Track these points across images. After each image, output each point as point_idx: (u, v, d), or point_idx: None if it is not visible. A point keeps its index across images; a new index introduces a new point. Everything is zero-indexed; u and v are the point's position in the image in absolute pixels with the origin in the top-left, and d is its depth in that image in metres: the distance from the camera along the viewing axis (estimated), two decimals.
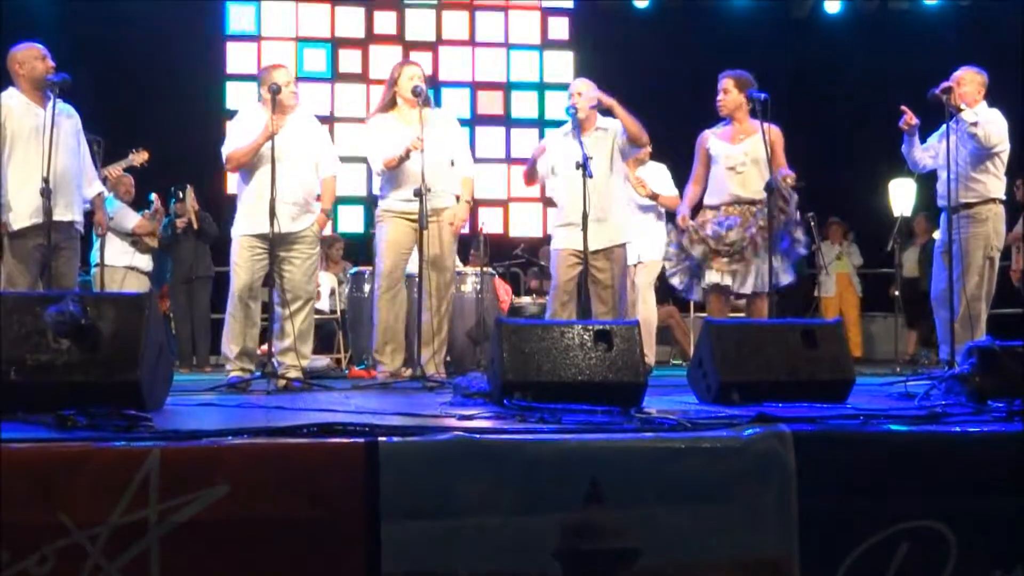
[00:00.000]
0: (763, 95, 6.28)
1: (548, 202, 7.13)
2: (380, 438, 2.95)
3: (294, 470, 2.87)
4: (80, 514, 2.74)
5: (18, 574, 2.69)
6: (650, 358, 7.97)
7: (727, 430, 3.17)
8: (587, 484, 2.97)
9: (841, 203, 12.07)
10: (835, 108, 12.18)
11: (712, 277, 6.52)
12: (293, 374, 6.10)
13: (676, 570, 2.97)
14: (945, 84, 6.41)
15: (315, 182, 6.38)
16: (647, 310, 8.10)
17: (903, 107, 6.74)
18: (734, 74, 6.64)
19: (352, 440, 2.96)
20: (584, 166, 6.27)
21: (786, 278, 6.49)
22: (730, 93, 6.62)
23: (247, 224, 6.18)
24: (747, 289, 6.50)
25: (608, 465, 3.01)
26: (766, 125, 6.28)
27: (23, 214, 5.88)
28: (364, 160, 6.80)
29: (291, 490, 2.85)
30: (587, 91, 6.79)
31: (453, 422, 3.64)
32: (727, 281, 6.49)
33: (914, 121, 6.74)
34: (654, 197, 7.98)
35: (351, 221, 12.16)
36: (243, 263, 6.16)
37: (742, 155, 6.56)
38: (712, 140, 6.68)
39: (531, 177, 7.10)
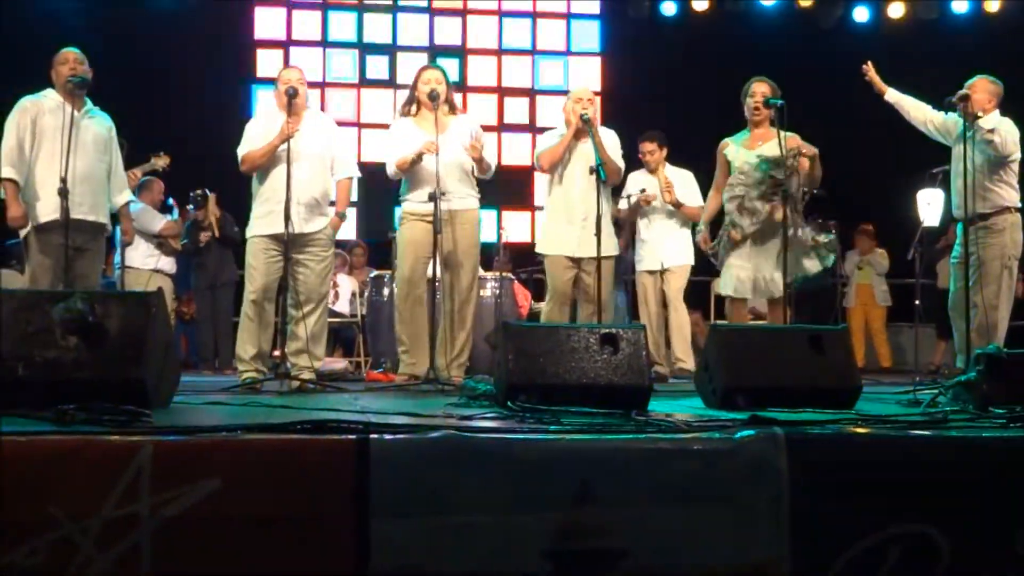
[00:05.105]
0: (779, 102, 6.24)
1: None
2: (372, 435, 2.97)
3: (285, 466, 2.90)
4: (71, 506, 2.77)
5: (7, 566, 2.73)
6: (688, 364, 7.84)
7: (720, 432, 3.16)
8: (577, 484, 2.97)
9: (871, 211, 11.96)
10: (864, 116, 12.10)
11: (725, 287, 6.51)
12: (306, 376, 6.13)
13: (663, 572, 2.97)
14: (962, 92, 6.37)
15: (328, 184, 6.40)
16: (679, 317, 8.03)
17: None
18: (771, 82, 6.54)
19: (344, 437, 2.98)
20: (597, 170, 6.33)
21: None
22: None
23: (261, 225, 6.22)
24: (760, 295, 6.47)
25: (599, 465, 3.01)
26: (784, 133, 6.24)
27: (48, 207, 6.03)
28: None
29: (282, 486, 2.88)
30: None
31: (452, 422, 3.62)
32: (742, 292, 6.46)
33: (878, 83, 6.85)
34: (677, 205, 7.93)
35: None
36: (259, 265, 6.20)
37: (756, 160, 6.49)
38: (731, 146, 6.63)
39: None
